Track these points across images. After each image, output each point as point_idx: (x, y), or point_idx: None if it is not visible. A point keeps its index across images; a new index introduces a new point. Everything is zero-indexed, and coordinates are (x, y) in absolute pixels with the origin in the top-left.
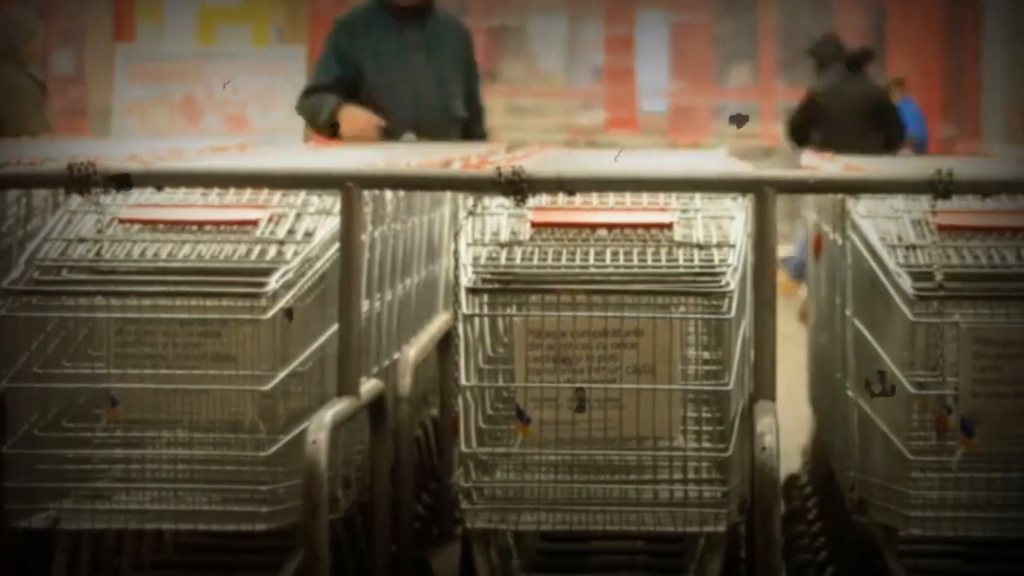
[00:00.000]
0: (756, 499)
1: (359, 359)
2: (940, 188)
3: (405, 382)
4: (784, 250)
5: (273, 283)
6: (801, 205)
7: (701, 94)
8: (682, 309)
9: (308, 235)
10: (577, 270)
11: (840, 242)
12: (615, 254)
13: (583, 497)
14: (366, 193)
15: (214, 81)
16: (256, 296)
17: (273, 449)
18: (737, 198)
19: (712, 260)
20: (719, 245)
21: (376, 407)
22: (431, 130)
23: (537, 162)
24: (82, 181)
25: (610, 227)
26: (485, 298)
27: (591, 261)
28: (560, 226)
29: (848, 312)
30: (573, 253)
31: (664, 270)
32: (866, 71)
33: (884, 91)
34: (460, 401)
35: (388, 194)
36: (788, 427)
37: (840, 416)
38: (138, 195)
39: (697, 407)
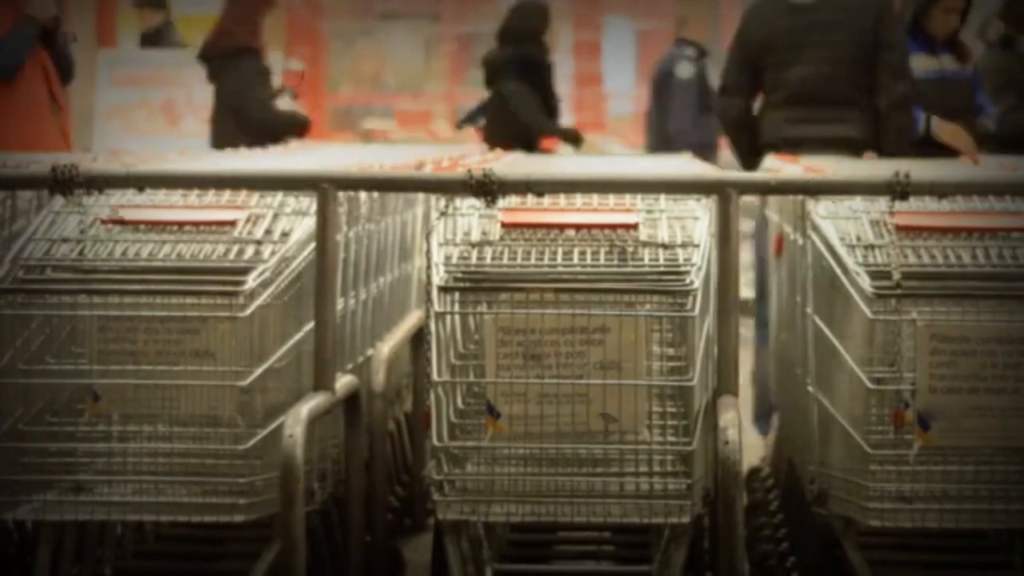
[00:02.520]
0: (719, 491)
1: (334, 355)
2: (898, 190)
3: (379, 378)
4: None
5: (250, 282)
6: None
7: None
8: (647, 307)
9: (285, 235)
10: (546, 269)
11: (800, 242)
12: (583, 253)
13: (551, 489)
14: (341, 194)
15: (193, 85)
16: (234, 294)
17: (251, 443)
18: (701, 199)
19: (676, 259)
20: (683, 245)
21: (351, 402)
22: None
23: (507, 165)
24: (65, 183)
25: (578, 227)
26: (456, 296)
27: (559, 260)
28: (529, 226)
29: (808, 310)
30: (542, 253)
31: (630, 269)
32: None
33: None
34: (432, 396)
35: (362, 195)
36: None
37: (801, 411)
38: (120, 196)
39: (662, 402)
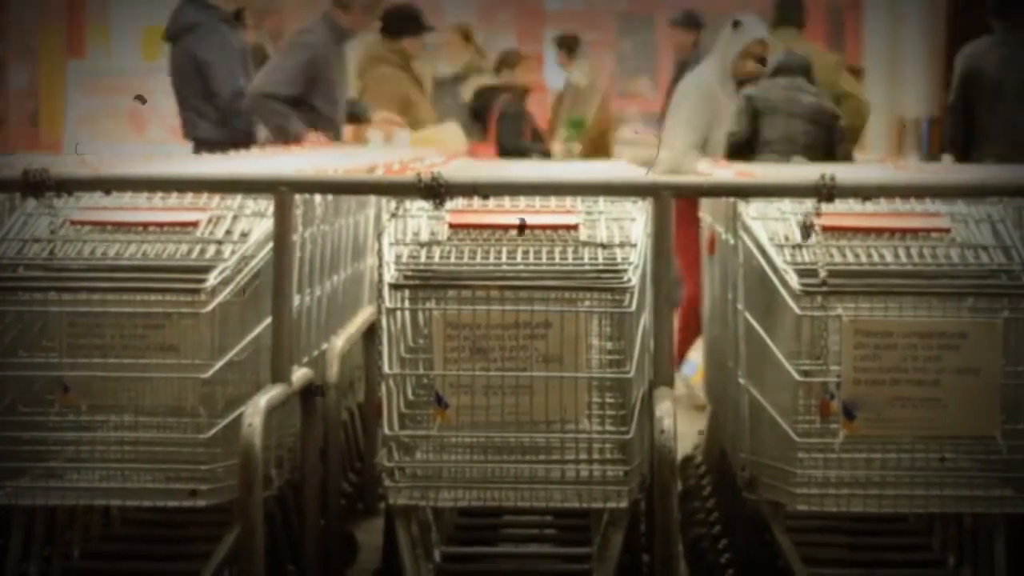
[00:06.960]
0: (655, 478)
1: (291, 349)
2: (824, 192)
3: (333, 370)
4: None
5: (212, 280)
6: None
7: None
8: (587, 303)
9: (244, 235)
10: (491, 267)
11: (732, 242)
12: (526, 253)
13: (497, 476)
14: (297, 197)
15: (159, 94)
16: (196, 291)
17: (212, 432)
18: (637, 201)
19: (615, 258)
20: (621, 244)
21: (306, 393)
22: None
23: (454, 169)
24: (36, 186)
25: (521, 228)
26: (407, 293)
27: (504, 259)
28: (475, 227)
29: (740, 306)
30: (487, 252)
31: (571, 267)
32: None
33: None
34: (383, 388)
35: (317, 198)
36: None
37: (732, 401)
38: (88, 199)
39: (601, 393)
